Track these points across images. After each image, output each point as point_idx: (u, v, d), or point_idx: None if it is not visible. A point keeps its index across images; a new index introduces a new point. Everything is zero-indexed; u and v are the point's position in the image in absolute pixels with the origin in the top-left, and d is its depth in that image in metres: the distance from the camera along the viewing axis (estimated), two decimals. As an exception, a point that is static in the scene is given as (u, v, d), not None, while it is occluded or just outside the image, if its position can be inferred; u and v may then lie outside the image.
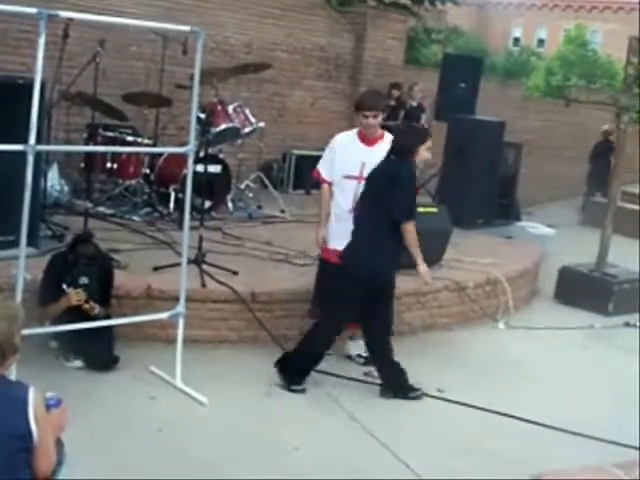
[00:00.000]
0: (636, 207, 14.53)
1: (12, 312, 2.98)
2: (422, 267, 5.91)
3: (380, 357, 6.15)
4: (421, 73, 15.56)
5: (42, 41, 4.72)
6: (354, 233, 5.96)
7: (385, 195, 5.75)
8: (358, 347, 6.68)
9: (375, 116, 6.24)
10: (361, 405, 5.81)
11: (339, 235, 6.25)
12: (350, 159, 6.29)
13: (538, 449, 5.34)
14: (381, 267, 5.86)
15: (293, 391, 5.93)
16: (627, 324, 8.73)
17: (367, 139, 6.35)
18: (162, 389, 5.69)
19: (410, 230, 5.76)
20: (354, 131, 6.46)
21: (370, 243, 5.82)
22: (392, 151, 5.87)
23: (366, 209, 5.92)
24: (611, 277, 9.27)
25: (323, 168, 6.48)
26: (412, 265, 7.79)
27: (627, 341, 8.11)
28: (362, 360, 6.63)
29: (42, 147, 5.78)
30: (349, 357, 6.70)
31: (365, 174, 6.18)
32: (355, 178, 6.25)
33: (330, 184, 6.44)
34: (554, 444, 5.48)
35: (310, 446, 5.12)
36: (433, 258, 8.17)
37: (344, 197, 6.31)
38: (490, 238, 10.18)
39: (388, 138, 6.37)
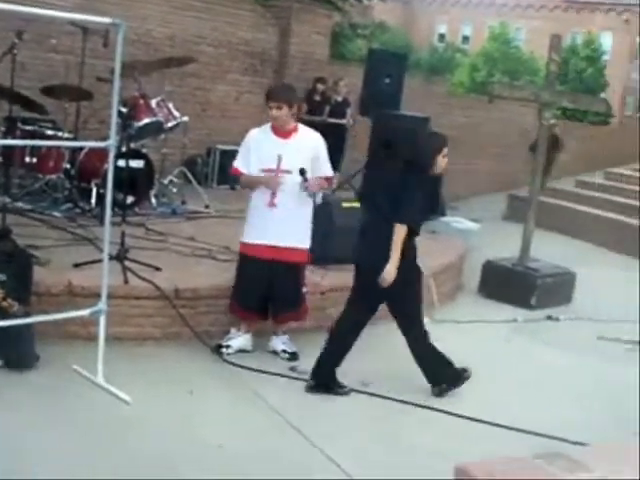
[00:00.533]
0: (558, 202, 14.80)
1: None
2: (390, 267, 5.83)
3: (419, 356, 6.22)
4: (346, 68, 15.60)
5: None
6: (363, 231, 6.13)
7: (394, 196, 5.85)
8: (283, 343, 6.68)
9: (279, 107, 6.27)
10: (287, 401, 5.79)
11: (259, 229, 6.35)
12: (266, 153, 6.32)
13: (462, 441, 5.37)
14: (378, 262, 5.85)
15: (344, 394, 6.03)
16: (549, 317, 8.87)
17: (280, 131, 6.37)
18: (84, 388, 5.58)
19: (400, 231, 5.76)
20: (268, 125, 6.45)
21: (376, 241, 5.91)
22: (411, 164, 5.97)
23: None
24: (533, 271, 9.40)
25: (240, 164, 6.46)
26: (338, 260, 7.86)
27: (549, 334, 8.24)
28: (287, 355, 6.63)
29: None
30: (274, 352, 6.67)
31: (283, 167, 6.26)
32: (273, 171, 6.29)
33: None
34: (478, 436, 5.53)
35: (235, 443, 5.08)
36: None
37: (263, 190, 6.33)
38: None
39: (303, 130, 6.46)
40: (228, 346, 6.55)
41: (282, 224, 6.30)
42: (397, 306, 6.14)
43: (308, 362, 6.44)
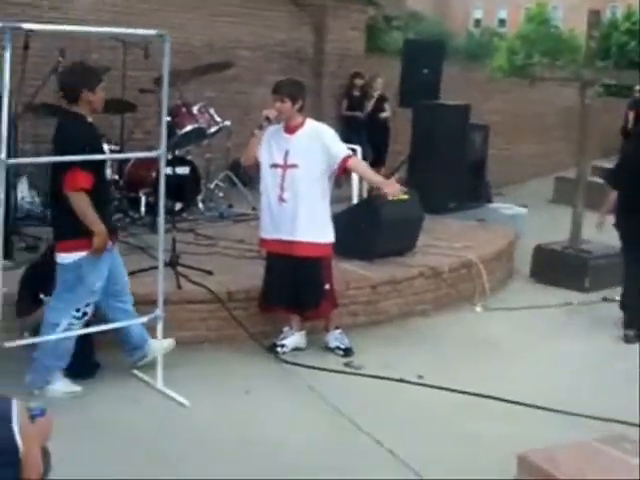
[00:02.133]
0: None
1: None
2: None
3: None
4: (383, 61, 15.57)
5: (8, 55, 4.70)
6: None
7: None
8: (335, 339, 6.73)
9: (282, 101, 6.38)
10: (344, 397, 5.82)
11: (272, 224, 6.43)
12: (275, 148, 6.42)
13: (522, 429, 5.36)
14: None
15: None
16: (605, 299, 8.76)
17: (288, 127, 6.44)
18: (144, 392, 5.71)
19: None
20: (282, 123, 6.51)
21: None
22: None
23: None
24: (586, 253, 9.31)
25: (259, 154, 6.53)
26: (387, 253, 7.91)
27: (606, 315, 8.16)
28: (341, 352, 6.67)
29: (13, 160, 5.74)
30: (329, 349, 6.73)
31: (289, 161, 6.33)
32: (280, 167, 6.36)
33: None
34: (537, 423, 5.52)
35: (295, 442, 5.14)
36: (406, 245, 8.23)
37: (273, 186, 6.41)
38: (462, 222, 10.23)
39: (309, 124, 6.48)
40: (283, 345, 6.62)
41: (293, 218, 6.33)
42: None
43: (362, 358, 6.51)
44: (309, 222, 6.35)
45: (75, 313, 5.53)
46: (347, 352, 6.66)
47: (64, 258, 5.46)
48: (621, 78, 12.15)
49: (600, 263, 9.24)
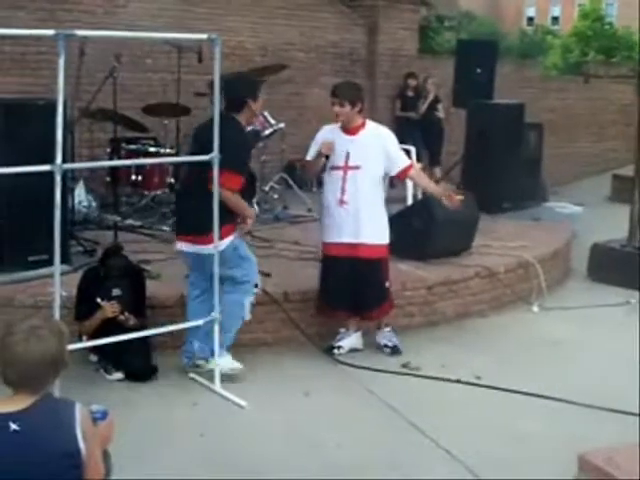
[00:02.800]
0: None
1: (59, 328, 3.01)
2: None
3: None
4: (436, 61, 15.51)
5: (62, 61, 4.76)
6: None
7: None
8: (384, 337, 6.73)
9: (341, 104, 6.34)
10: (401, 397, 5.81)
11: (333, 227, 6.42)
12: (336, 150, 6.36)
13: (582, 429, 5.31)
14: None
15: None
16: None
17: (348, 128, 6.41)
18: (202, 395, 5.75)
19: None
20: (338, 123, 6.48)
21: None
22: None
23: None
24: (643, 251, 9.19)
25: (309, 156, 6.54)
26: (443, 254, 7.88)
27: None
28: (389, 350, 6.68)
29: (68, 165, 5.85)
30: (378, 346, 6.72)
31: (350, 163, 6.31)
32: (340, 168, 6.33)
33: None
34: (596, 423, 5.46)
35: (352, 443, 5.14)
36: (462, 245, 8.20)
37: (333, 189, 6.40)
38: (518, 221, 10.15)
39: (370, 126, 6.47)
40: (340, 347, 6.61)
41: (355, 221, 6.33)
42: None
43: (419, 359, 6.49)
44: (372, 224, 6.37)
45: (251, 288, 5.97)
46: (395, 350, 6.66)
47: (219, 245, 5.71)
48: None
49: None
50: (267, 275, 7.01)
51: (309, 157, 6.55)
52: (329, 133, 6.50)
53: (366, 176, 6.33)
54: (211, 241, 5.68)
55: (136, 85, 10.31)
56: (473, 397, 5.94)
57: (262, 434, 5.23)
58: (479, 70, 11.75)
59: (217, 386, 5.77)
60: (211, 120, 5.69)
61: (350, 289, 6.50)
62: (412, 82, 13.43)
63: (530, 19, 60.64)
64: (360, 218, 6.33)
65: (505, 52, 30.01)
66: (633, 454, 4.39)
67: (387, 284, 6.59)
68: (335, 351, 6.58)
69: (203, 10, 11.31)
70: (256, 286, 6.05)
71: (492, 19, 52.37)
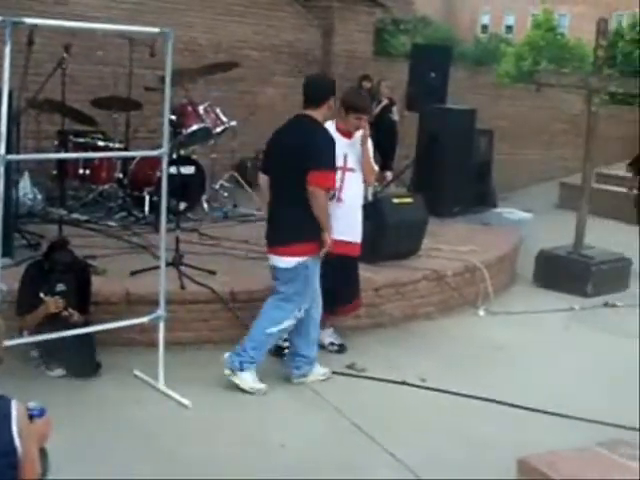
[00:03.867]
0: (610, 188, 14.61)
1: None
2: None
3: None
4: (391, 64, 15.56)
5: (8, 49, 4.67)
6: None
7: None
8: (329, 335, 6.75)
9: (363, 119, 6.44)
10: (346, 398, 5.81)
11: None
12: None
13: (523, 433, 5.36)
14: None
15: None
16: (606, 304, 8.77)
17: (345, 132, 6.44)
18: (146, 393, 5.68)
19: None
20: (331, 124, 6.46)
21: None
22: None
23: None
24: (588, 258, 9.30)
25: None
26: (391, 257, 7.88)
27: (608, 321, 8.16)
28: (335, 347, 6.72)
29: (13, 157, 5.74)
30: (322, 346, 6.68)
31: (348, 165, 6.38)
32: (340, 169, 6.33)
33: None
34: (539, 427, 5.51)
35: (297, 443, 5.13)
36: (411, 248, 8.21)
37: None
38: (467, 225, 10.21)
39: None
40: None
41: (346, 219, 6.38)
42: None
43: (366, 360, 6.48)
44: (358, 223, 6.52)
45: (297, 313, 5.86)
46: (341, 348, 6.73)
47: (290, 262, 5.76)
48: (627, 86, 12.14)
49: (602, 269, 9.26)
50: (212, 273, 6.96)
51: None
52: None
53: (358, 179, 6.50)
54: (287, 252, 5.77)
55: (86, 77, 10.18)
56: (418, 399, 5.95)
57: (206, 433, 5.18)
58: (433, 74, 11.82)
59: (161, 384, 5.70)
60: (293, 124, 5.95)
61: (329, 285, 6.40)
62: (366, 84, 13.40)
63: (484, 27, 61.15)
64: (353, 217, 6.45)
65: (459, 58, 30.18)
66: (573, 458, 4.42)
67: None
68: (286, 351, 6.55)
69: (157, 4, 11.22)
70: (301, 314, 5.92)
71: (447, 25, 52.73)
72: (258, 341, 5.85)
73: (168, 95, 5.70)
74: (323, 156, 5.73)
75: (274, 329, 5.84)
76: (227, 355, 5.88)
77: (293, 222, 5.78)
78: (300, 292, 5.82)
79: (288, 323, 5.86)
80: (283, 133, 6.04)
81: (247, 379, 5.82)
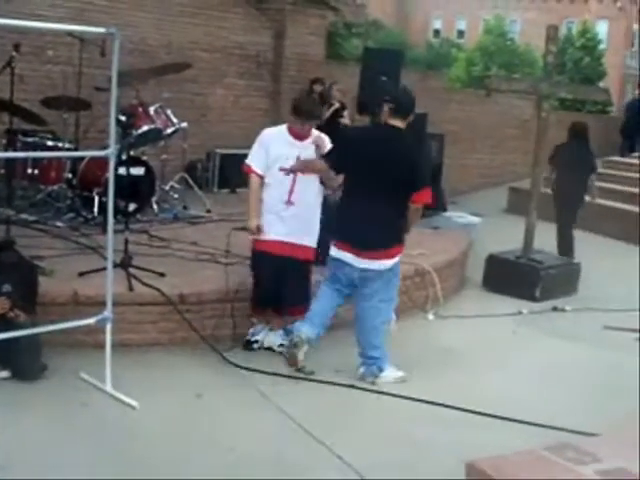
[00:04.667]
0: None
1: None
2: None
3: None
4: (343, 68, 15.61)
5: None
6: None
7: None
8: (278, 337, 6.77)
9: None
10: (294, 401, 5.80)
11: (275, 225, 6.50)
12: (284, 153, 6.48)
13: (472, 437, 5.37)
14: None
15: None
16: (555, 308, 8.87)
17: (298, 133, 6.51)
18: (93, 395, 5.61)
19: None
20: (283, 127, 6.62)
21: None
22: None
23: None
24: (537, 263, 9.40)
25: (255, 162, 6.58)
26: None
27: (556, 325, 8.25)
28: (286, 349, 6.71)
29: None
30: (270, 349, 6.75)
31: None
32: (292, 171, 6.44)
33: (262, 177, 6.55)
34: (487, 431, 5.54)
35: (243, 445, 5.10)
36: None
37: (281, 189, 6.49)
38: (417, 229, 10.10)
39: (314, 132, 6.59)
40: (257, 341, 6.75)
41: (297, 221, 6.48)
42: None
43: (314, 363, 6.46)
44: (311, 226, 6.60)
45: (393, 304, 6.56)
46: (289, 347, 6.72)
47: (388, 263, 6.21)
48: (576, 93, 12.30)
49: (551, 273, 9.36)
50: (162, 275, 6.92)
51: (255, 162, 6.57)
52: (277, 134, 6.62)
53: (313, 182, 6.54)
54: (386, 255, 6.16)
55: (35, 76, 10.08)
56: (366, 402, 5.96)
57: (153, 435, 5.14)
58: (384, 78, 11.84)
59: (108, 386, 5.65)
60: (384, 133, 6.20)
61: (279, 288, 6.59)
62: (318, 88, 13.41)
63: (436, 31, 61.58)
64: (304, 220, 6.52)
65: (411, 62, 30.39)
66: (519, 461, 4.45)
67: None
68: (254, 345, 6.70)
69: (107, 3, 11.13)
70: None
71: (399, 29, 53.03)
72: (378, 343, 6.33)
73: (115, 95, 5.64)
74: (427, 176, 6.34)
75: (384, 326, 6.44)
76: (361, 373, 6.31)
77: (391, 227, 6.16)
78: (395, 286, 6.43)
79: (389, 318, 6.54)
80: (374, 142, 6.21)
81: (389, 375, 6.31)
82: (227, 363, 6.38)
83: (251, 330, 6.78)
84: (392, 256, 6.20)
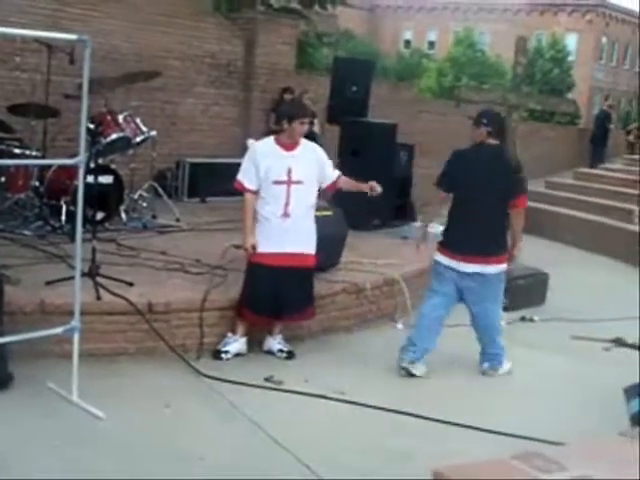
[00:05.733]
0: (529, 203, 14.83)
1: None
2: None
3: None
4: (313, 77, 15.63)
5: None
6: None
7: None
8: (279, 343, 6.88)
9: (311, 122, 6.80)
10: (263, 411, 5.78)
11: (273, 238, 6.55)
12: (275, 166, 6.52)
13: (441, 446, 5.39)
14: None
15: None
16: (523, 318, 8.91)
17: (286, 144, 6.58)
18: (59, 405, 5.56)
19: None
20: (270, 139, 6.70)
21: None
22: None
23: None
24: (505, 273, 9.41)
25: (246, 178, 6.61)
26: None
27: (524, 335, 8.28)
28: (284, 355, 6.84)
29: None
30: (269, 352, 6.84)
31: (293, 178, 6.51)
32: (284, 183, 6.49)
33: (255, 193, 6.59)
34: (457, 440, 5.55)
35: (212, 456, 5.07)
36: (330, 261, 8.21)
37: (276, 202, 6.53)
38: (387, 239, 10.28)
39: (303, 142, 6.71)
40: (227, 351, 6.73)
41: (296, 232, 6.56)
42: None
43: (283, 373, 6.47)
44: (309, 234, 6.71)
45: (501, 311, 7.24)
46: (290, 355, 6.87)
47: (501, 268, 6.82)
48: (545, 104, 12.41)
49: (520, 283, 9.39)
50: (130, 284, 6.88)
51: (246, 179, 6.59)
52: (265, 147, 6.68)
53: (308, 190, 6.62)
54: (497, 261, 6.75)
55: (2, 83, 10.00)
56: (336, 412, 5.95)
57: (119, 445, 5.10)
58: (355, 88, 11.86)
59: (74, 396, 5.60)
60: (490, 152, 6.77)
61: (277, 296, 6.66)
62: (288, 96, 13.43)
63: (407, 42, 61.86)
64: (303, 230, 6.63)
65: (382, 72, 30.50)
66: (486, 470, 4.45)
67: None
68: (222, 356, 6.70)
69: (77, 11, 11.07)
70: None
71: (370, 39, 53.22)
72: (500, 339, 7.05)
73: (85, 103, 5.60)
74: (525, 182, 6.95)
75: (501, 323, 7.22)
76: (485, 368, 7.02)
77: (500, 235, 6.77)
78: (501, 294, 7.04)
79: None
80: (483, 161, 6.77)
81: (506, 366, 7.05)
82: (196, 373, 6.35)
83: (225, 340, 6.79)
84: (505, 259, 6.82)
